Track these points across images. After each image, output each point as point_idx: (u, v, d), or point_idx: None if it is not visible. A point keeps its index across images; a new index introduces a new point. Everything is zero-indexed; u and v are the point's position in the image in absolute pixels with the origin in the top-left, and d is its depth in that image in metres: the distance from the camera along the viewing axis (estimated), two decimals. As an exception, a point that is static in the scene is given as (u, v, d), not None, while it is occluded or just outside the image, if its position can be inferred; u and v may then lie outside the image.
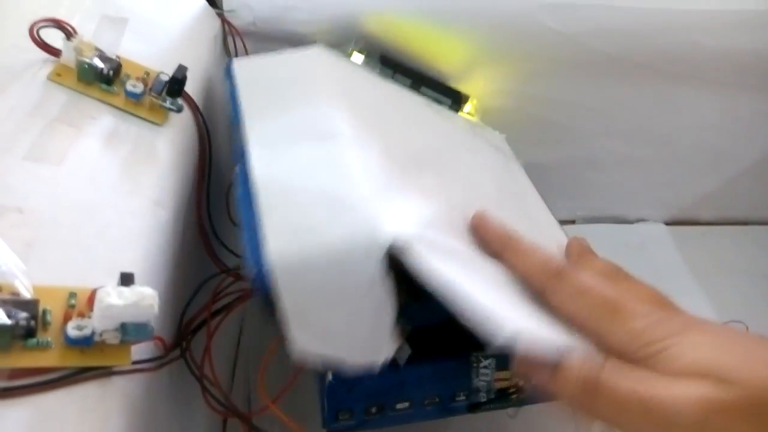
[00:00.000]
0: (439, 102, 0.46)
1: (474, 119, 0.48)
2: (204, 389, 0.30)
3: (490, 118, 0.49)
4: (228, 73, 0.36)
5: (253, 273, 0.24)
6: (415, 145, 0.35)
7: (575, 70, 0.49)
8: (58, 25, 0.31)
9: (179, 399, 0.30)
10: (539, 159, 0.54)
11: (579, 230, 0.56)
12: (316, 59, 0.37)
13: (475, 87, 0.50)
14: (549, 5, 0.46)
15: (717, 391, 0.20)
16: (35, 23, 0.31)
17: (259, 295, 0.24)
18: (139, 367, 0.24)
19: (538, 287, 0.26)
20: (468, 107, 0.47)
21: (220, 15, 0.45)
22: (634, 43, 0.48)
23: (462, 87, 0.50)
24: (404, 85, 0.45)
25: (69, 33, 0.32)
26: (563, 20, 0.47)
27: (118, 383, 0.23)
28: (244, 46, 0.46)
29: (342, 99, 0.33)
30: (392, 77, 0.45)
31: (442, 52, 0.48)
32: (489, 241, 0.29)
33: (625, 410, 0.21)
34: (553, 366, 0.23)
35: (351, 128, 0.30)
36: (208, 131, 0.36)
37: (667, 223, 0.58)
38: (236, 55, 0.46)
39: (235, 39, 0.45)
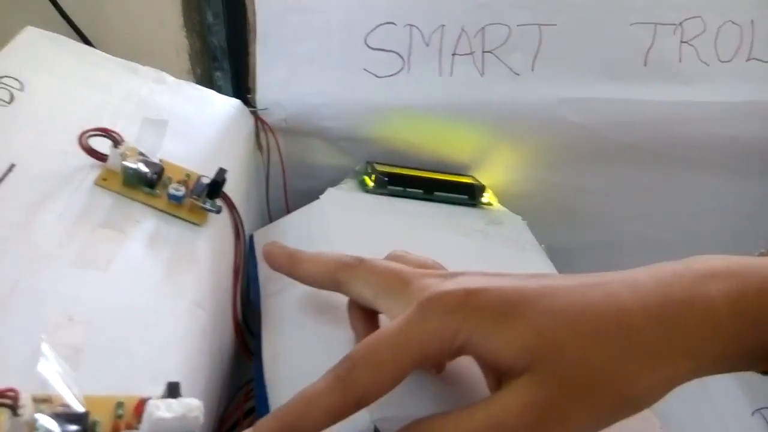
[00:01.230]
0: (455, 202, 0.47)
1: (493, 207, 0.49)
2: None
3: (511, 203, 0.50)
4: (250, 247, 0.39)
5: None
6: None
7: (595, 159, 0.51)
8: (107, 133, 0.33)
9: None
10: (563, 243, 0.54)
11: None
12: (324, 213, 0.40)
13: (495, 174, 0.52)
14: (568, 99, 0.48)
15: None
16: (84, 132, 0.33)
17: None
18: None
19: (334, 283, 0.27)
20: (486, 197, 0.48)
21: (254, 113, 0.47)
22: (650, 133, 0.50)
23: (482, 174, 0.51)
24: (416, 197, 0.46)
25: (116, 141, 0.33)
26: (582, 113, 0.49)
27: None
28: (276, 141, 0.48)
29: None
30: (403, 193, 0.46)
31: (459, 143, 0.50)
32: (276, 266, 0.30)
33: None
34: None
35: None
36: (243, 229, 0.38)
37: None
38: (268, 151, 0.48)
39: (267, 135, 0.48)
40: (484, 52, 0.48)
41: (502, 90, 0.49)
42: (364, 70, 0.47)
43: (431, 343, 0.22)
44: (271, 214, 0.49)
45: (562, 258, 0.44)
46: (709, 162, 0.52)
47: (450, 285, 0.23)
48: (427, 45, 0.47)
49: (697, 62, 0.48)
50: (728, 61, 0.49)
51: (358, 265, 0.26)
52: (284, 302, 0.34)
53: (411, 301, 0.23)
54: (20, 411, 0.20)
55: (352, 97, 0.47)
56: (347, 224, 0.39)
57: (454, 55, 0.48)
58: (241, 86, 0.50)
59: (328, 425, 0.22)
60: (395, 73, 0.48)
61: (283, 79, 0.47)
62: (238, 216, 0.37)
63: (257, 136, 0.48)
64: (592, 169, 0.51)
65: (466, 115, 0.49)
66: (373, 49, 0.47)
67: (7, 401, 0.20)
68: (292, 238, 0.40)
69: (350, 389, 0.21)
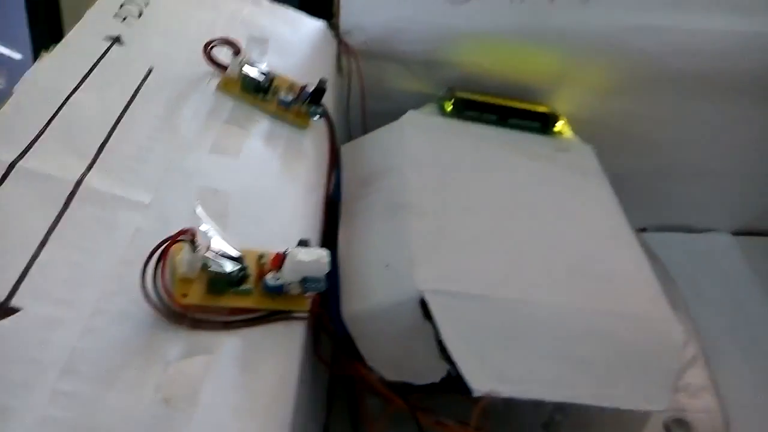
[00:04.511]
0: (528, 128, 0.50)
1: (565, 135, 0.52)
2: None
3: (580, 128, 0.53)
4: (337, 159, 0.44)
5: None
6: (486, 198, 0.41)
7: (655, 85, 0.54)
8: (230, 43, 0.39)
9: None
10: (617, 169, 0.58)
11: (650, 238, 0.59)
12: (404, 133, 0.44)
13: (567, 101, 0.55)
14: (633, 27, 0.51)
15: None
16: (210, 42, 0.38)
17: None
18: (311, 315, 0.30)
19: None
20: (559, 124, 0.52)
21: (337, 36, 0.51)
22: (711, 63, 0.52)
23: (556, 101, 0.55)
24: (492, 122, 0.49)
25: (237, 50, 0.39)
26: (645, 41, 0.51)
27: (297, 325, 0.29)
28: (357, 64, 0.52)
29: (419, 169, 0.41)
30: (480, 118, 0.49)
31: (531, 70, 0.54)
32: None
33: None
34: None
35: (419, 197, 0.38)
36: (334, 132, 0.43)
37: (735, 233, 0.61)
38: (350, 73, 0.53)
39: (349, 58, 0.52)
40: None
41: (570, 17, 0.51)
42: (441, -4, 0.50)
43: None
44: (351, 135, 0.54)
45: (614, 184, 0.48)
46: (761, 94, 0.54)
47: None
48: (500, -27, 0.50)
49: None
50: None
51: None
52: (360, 205, 0.40)
53: None
54: (197, 247, 0.26)
55: (429, 22, 0.51)
56: (423, 143, 0.44)
57: (525, -17, 0.51)
58: (316, 10, 0.53)
59: None
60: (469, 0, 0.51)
61: (364, 4, 0.51)
62: (332, 122, 0.42)
63: (338, 58, 0.53)
64: (651, 96, 0.54)
65: (537, 41, 0.52)
66: (448, -24, 0.50)
67: (188, 237, 0.26)
68: (374, 153, 0.45)
69: None
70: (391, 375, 0.35)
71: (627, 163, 0.58)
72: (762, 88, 0.54)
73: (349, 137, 0.52)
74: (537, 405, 0.36)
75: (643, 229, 0.61)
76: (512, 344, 0.34)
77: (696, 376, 0.43)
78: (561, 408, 0.39)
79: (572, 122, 0.54)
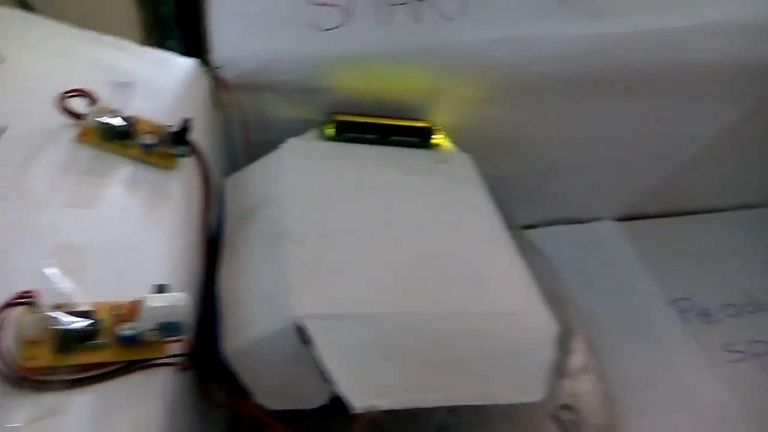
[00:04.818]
0: (408, 144, 0.52)
1: (444, 145, 0.54)
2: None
3: (461, 140, 0.56)
4: (222, 192, 0.45)
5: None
6: (365, 217, 0.42)
7: (525, 92, 0.57)
8: (84, 93, 0.38)
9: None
10: (500, 173, 0.61)
11: (539, 233, 0.62)
12: (283, 161, 0.46)
13: (445, 115, 0.57)
14: (497, 39, 0.54)
15: None
16: (64, 93, 0.38)
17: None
18: (173, 360, 0.30)
19: None
20: (437, 137, 0.54)
21: (210, 71, 0.52)
22: (570, 66, 0.55)
23: (435, 115, 0.57)
24: (373, 142, 0.51)
25: (93, 100, 0.38)
26: (509, 51, 0.54)
27: (158, 374, 0.29)
28: (234, 98, 0.53)
29: (298, 196, 0.42)
30: (361, 139, 0.51)
31: (406, 88, 0.56)
32: None
33: None
34: None
35: (298, 224, 0.39)
36: (209, 172, 0.43)
37: (619, 220, 0.65)
38: (229, 107, 0.53)
39: (225, 92, 0.52)
40: (418, 0, 0.53)
41: (437, 35, 0.54)
42: (309, 24, 0.51)
43: None
44: (240, 168, 0.54)
45: (500, 186, 0.50)
46: (628, 89, 0.58)
47: None
48: (365, -3, 0.52)
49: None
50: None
51: None
52: (241, 238, 0.41)
53: None
54: (40, 307, 0.26)
55: (300, 50, 0.52)
56: (302, 170, 0.45)
57: (391, 5, 0.52)
58: (195, 49, 0.54)
59: None
60: (338, 26, 0.53)
61: (235, 38, 0.51)
62: (204, 160, 0.42)
63: (215, 93, 0.53)
64: (523, 102, 0.57)
65: (408, 60, 0.54)
66: (316, 4, 0.51)
67: (28, 300, 0.26)
68: (254, 184, 0.46)
69: None
70: (278, 404, 0.35)
71: (509, 166, 0.61)
72: (623, 84, 0.58)
73: (237, 171, 0.52)
74: (429, 410, 0.38)
75: (532, 226, 0.63)
76: (389, 357, 0.35)
77: (580, 361, 0.45)
78: (452, 410, 0.40)
79: (451, 133, 0.56)
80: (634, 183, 0.64)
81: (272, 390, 0.35)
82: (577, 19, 0.54)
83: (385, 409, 0.33)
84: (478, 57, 0.54)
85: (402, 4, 0.53)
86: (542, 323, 0.38)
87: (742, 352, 0.53)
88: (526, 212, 0.63)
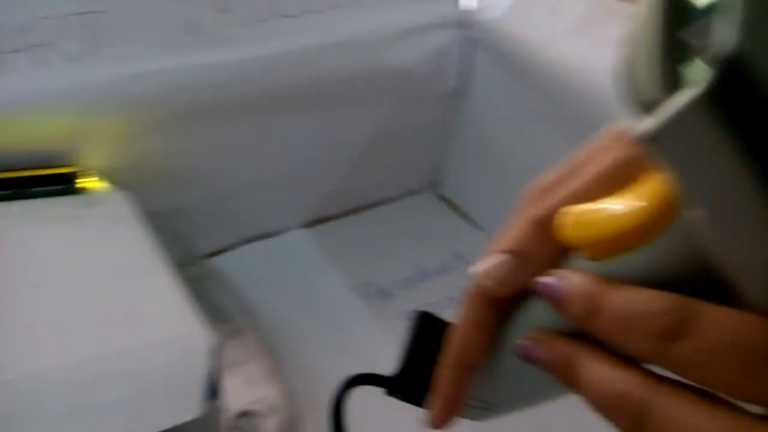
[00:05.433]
0: (52, 193, 0.49)
1: (94, 188, 0.52)
2: None
3: (115, 180, 0.54)
4: None
5: None
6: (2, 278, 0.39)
7: (179, 123, 0.58)
8: None
9: None
10: (176, 205, 0.61)
11: (232, 255, 0.64)
12: None
13: (94, 157, 0.55)
14: (131, 76, 0.53)
15: None
16: None
17: None
18: None
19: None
20: (87, 180, 0.52)
21: None
22: (218, 92, 0.58)
23: (82, 160, 0.54)
24: (9, 198, 0.47)
25: None
26: (148, 86, 0.54)
27: None
28: None
29: None
30: None
31: (45, 136, 0.52)
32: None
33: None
34: None
35: None
36: None
37: (306, 227, 0.70)
38: None
39: None
40: (35, 45, 0.51)
41: (68, 77, 0.52)
42: None
43: None
44: None
45: (179, 218, 0.50)
46: (278, 107, 0.62)
47: None
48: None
49: (232, 27, 0.57)
50: (263, 21, 0.59)
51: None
52: None
53: None
54: None
55: None
56: None
57: (2, 54, 0.49)
58: None
59: None
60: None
61: None
62: None
63: None
64: (176, 132, 0.57)
65: (41, 108, 0.51)
66: None
67: None
68: None
69: None
70: None
71: (184, 196, 0.62)
72: (275, 103, 0.62)
73: None
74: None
75: (223, 250, 0.65)
76: (22, 423, 0.33)
77: (260, 366, 0.47)
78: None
79: (110, 174, 0.54)
80: (312, 189, 0.69)
81: None
82: (208, 46, 0.57)
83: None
84: (115, 95, 0.53)
85: (14, 51, 0.50)
86: (194, 341, 0.38)
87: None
88: (215, 238, 0.64)
